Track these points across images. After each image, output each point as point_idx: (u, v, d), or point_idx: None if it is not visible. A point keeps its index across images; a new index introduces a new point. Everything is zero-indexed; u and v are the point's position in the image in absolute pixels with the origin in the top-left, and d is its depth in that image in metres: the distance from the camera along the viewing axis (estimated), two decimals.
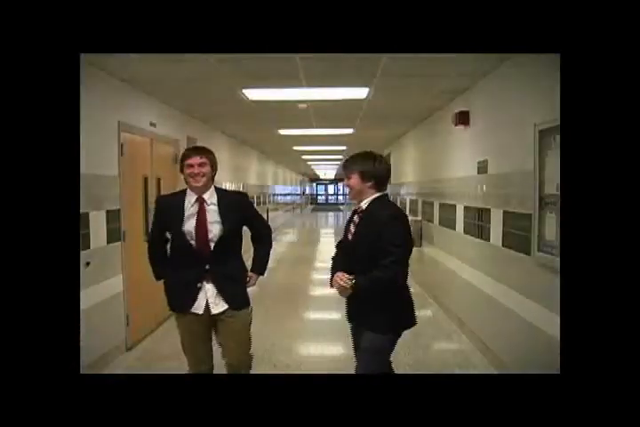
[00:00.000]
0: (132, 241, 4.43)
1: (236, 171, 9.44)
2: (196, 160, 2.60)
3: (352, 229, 2.58)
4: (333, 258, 2.70)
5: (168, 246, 2.80)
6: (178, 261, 2.67)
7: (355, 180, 2.53)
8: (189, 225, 2.60)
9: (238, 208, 2.72)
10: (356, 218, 2.58)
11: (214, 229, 2.61)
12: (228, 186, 8.46)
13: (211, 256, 2.61)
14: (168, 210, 2.67)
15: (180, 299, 2.67)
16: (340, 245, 2.71)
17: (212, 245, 2.61)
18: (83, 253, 3.52)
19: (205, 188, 2.64)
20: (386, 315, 2.50)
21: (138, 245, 4.63)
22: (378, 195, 2.54)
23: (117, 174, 4.18)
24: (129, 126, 4.41)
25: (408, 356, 4.20)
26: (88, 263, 3.63)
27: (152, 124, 4.99)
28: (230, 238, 2.66)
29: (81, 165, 2.07)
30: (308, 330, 5.20)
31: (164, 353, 4.34)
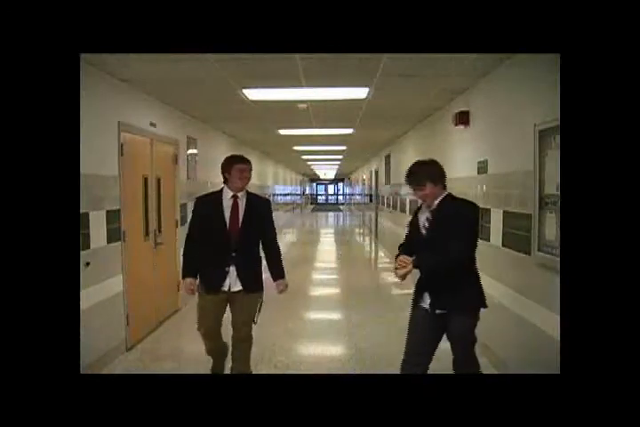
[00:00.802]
0: (132, 241, 4.43)
1: None
2: (245, 167, 3.27)
3: (427, 224, 2.83)
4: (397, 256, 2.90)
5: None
6: (212, 251, 3.23)
7: (430, 188, 2.77)
8: (226, 214, 3.22)
9: (259, 209, 3.33)
10: (428, 215, 2.83)
11: (240, 222, 3.23)
12: None
13: (237, 245, 3.20)
14: (208, 205, 3.28)
15: (213, 279, 3.22)
16: (406, 243, 3.00)
17: (239, 233, 3.20)
18: (83, 253, 3.53)
19: (243, 188, 3.28)
20: (474, 297, 2.79)
21: (138, 246, 4.64)
22: (446, 193, 2.83)
23: (117, 174, 4.18)
24: (129, 126, 4.41)
25: None
26: (88, 263, 3.63)
27: (152, 124, 5.00)
28: (251, 232, 3.26)
29: (81, 165, 2.07)
30: (308, 330, 5.20)
31: (164, 353, 4.34)
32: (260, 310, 3.27)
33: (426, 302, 2.83)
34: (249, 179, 3.29)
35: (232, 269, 3.18)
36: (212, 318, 3.25)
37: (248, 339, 3.30)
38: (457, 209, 2.75)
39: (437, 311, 2.77)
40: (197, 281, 3.24)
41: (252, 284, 3.24)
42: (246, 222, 3.22)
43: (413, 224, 2.94)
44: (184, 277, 3.27)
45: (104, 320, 3.94)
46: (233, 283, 3.19)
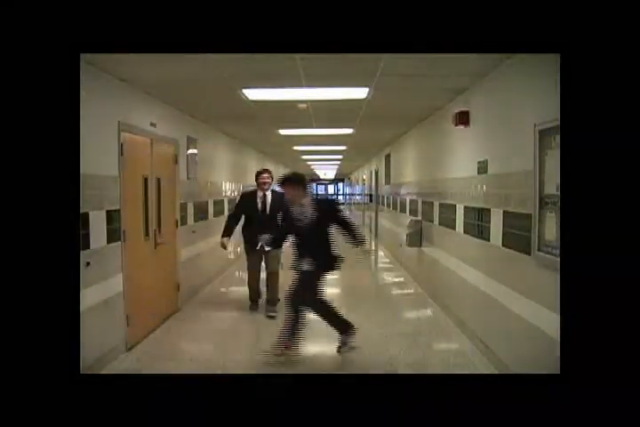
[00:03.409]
0: (131, 241, 4.43)
1: (236, 171, 9.45)
2: (265, 176, 5.45)
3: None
4: None
5: (242, 221, 5.61)
6: (249, 227, 5.43)
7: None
8: (258, 206, 5.38)
9: (279, 201, 5.12)
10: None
11: (267, 209, 5.38)
12: (228, 186, 8.49)
13: (265, 224, 5.05)
14: (248, 199, 5.48)
15: (251, 244, 5.37)
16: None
17: (266, 217, 5.25)
18: (83, 253, 3.52)
19: (268, 190, 5.43)
20: None
21: (138, 246, 4.64)
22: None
23: (117, 174, 4.18)
24: (129, 126, 4.41)
25: (408, 356, 4.21)
26: (88, 263, 3.63)
27: (152, 125, 4.99)
28: (274, 215, 5.05)
29: (81, 165, 2.07)
30: (307, 330, 5.19)
31: (164, 354, 4.33)
32: (280, 259, 5.47)
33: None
34: (270, 183, 5.45)
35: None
36: (253, 264, 5.51)
37: (276, 274, 5.49)
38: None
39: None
40: (229, 241, 5.57)
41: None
42: (271, 210, 5.30)
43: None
44: (222, 236, 5.45)
45: (104, 320, 3.94)
46: (265, 247, 5.14)
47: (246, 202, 5.42)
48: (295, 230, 4.12)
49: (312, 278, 4.11)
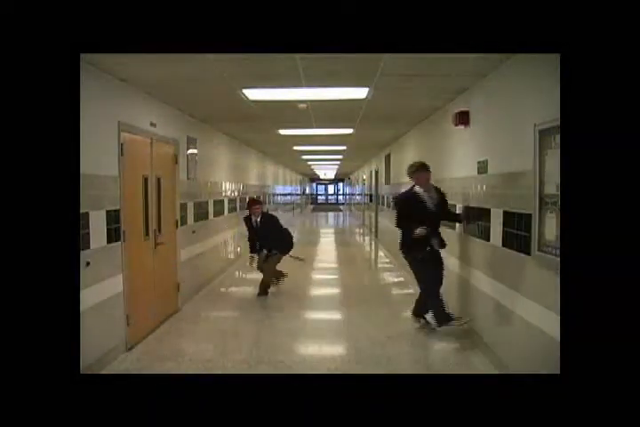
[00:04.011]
0: (131, 241, 4.43)
1: (236, 171, 9.45)
2: (258, 205, 6.73)
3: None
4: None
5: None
6: (253, 241, 6.87)
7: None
8: (254, 227, 6.76)
9: (269, 222, 6.75)
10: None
11: (260, 227, 6.73)
12: (228, 186, 8.49)
13: (260, 239, 6.75)
14: (248, 222, 6.79)
15: (255, 251, 6.81)
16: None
17: (261, 235, 6.73)
18: (83, 253, 3.52)
19: (259, 215, 6.72)
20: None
21: (138, 245, 4.64)
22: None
23: (117, 174, 4.18)
24: (129, 126, 4.41)
25: (408, 355, 4.20)
26: (88, 263, 3.63)
27: (152, 125, 5.00)
28: (266, 234, 6.67)
29: (81, 165, 2.07)
30: (308, 330, 5.20)
31: (164, 354, 4.34)
32: (279, 259, 6.82)
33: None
34: (260, 209, 6.72)
35: (264, 250, 6.71)
36: (261, 262, 6.73)
37: (272, 263, 6.71)
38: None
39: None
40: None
41: (273, 251, 6.74)
42: (263, 230, 6.67)
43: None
44: (250, 252, 6.87)
45: (104, 320, 3.94)
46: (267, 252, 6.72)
47: (247, 224, 6.90)
48: (427, 215, 4.65)
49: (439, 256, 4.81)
